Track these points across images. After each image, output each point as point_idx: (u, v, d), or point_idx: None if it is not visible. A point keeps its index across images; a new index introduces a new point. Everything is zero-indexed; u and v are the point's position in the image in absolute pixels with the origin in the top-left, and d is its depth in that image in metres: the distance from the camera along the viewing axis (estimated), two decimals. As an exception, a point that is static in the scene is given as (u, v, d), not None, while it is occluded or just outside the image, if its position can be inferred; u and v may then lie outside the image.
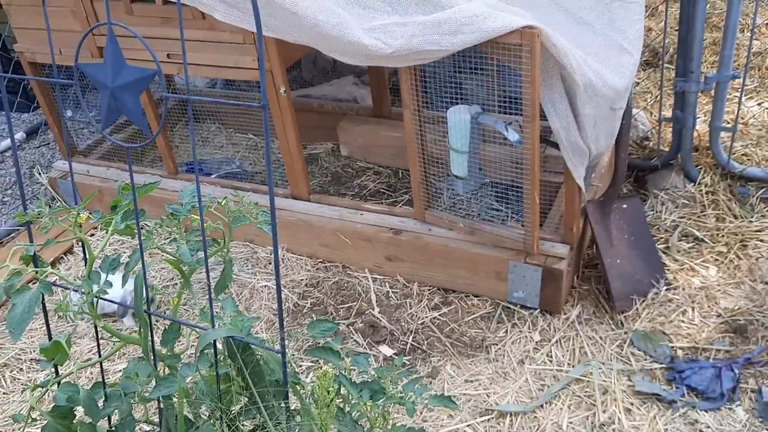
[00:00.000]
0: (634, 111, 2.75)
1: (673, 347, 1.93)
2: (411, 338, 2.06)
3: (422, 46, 1.74)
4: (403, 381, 1.36)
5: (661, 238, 2.33)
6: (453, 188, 2.14)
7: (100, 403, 1.22)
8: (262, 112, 0.98)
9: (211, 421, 1.22)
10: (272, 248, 1.09)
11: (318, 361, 1.98)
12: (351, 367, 1.34)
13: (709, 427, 1.69)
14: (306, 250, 2.42)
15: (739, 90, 2.96)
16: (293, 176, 2.38)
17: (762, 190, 2.42)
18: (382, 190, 2.79)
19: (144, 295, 1.16)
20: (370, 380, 1.35)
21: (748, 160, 2.55)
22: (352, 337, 2.09)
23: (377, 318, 2.14)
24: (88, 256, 1.18)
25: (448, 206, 2.18)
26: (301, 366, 1.98)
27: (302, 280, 2.33)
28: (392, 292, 2.25)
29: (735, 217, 2.36)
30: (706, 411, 1.73)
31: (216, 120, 3.40)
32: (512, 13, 1.72)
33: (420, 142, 2.06)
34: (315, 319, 2.17)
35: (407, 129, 2.04)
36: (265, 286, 2.32)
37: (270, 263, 2.41)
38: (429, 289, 2.23)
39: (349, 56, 1.83)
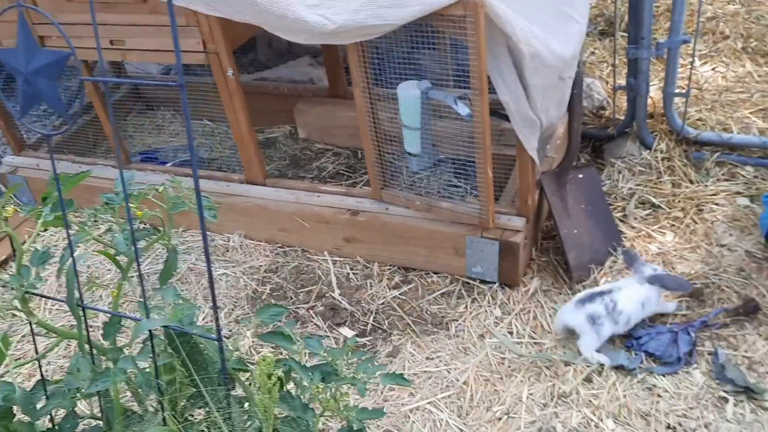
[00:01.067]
0: (589, 80, 2.75)
1: (631, 314, 1.94)
2: (372, 318, 2.05)
3: (367, 21, 1.71)
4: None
5: (619, 206, 2.34)
6: (408, 166, 2.11)
7: (43, 401, 1.18)
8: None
9: (157, 413, 1.19)
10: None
11: (279, 347, 1.95)
12: (305, 351, 1.32)
13: (666, 391, 1.70)
14: (264, 236, 2.38)
15: (694, 57, 2.98)
16: (247, 161, 2.33)
17: (716, 154, 2.43)
18: (341, 172, 2.76)
19: (76, 287, 1.12)
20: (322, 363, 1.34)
21: (703, 124, 2.56)
22: (312, 321, 2.06)
23: (338, 300, 2.12)
24: (16, 251, 1.13)
25: (404, 185, 2.16)
26: (260, 352, 1.96)
27: (261, 266, 2.30)
28: (352, 273, 2.22)
29: (691, 182, 2.38)
30: (663, 375, 1.74)
31: (171, 107, 3.33)
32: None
33: (372, 120, 2.02)
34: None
35: (358, 107, 2.01)
36: (224, 274, 2.28)
37: (228, 250, 2.37)
38: (389, 269, 2.22)
39: (293, 34, 1.79)
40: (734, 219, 2.20)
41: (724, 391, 1.68)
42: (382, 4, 1.68)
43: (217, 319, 1.04)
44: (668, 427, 1.61)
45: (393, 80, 1.94)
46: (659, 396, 1.69)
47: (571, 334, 1.85)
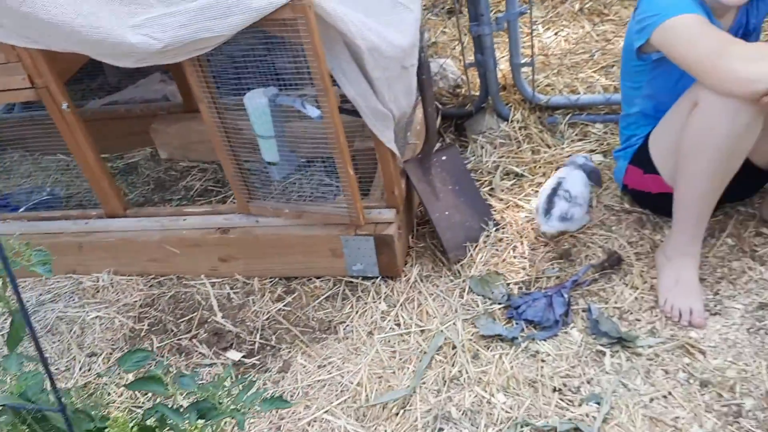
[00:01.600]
0: (442, 61, 2.79)
1: (509, 284, 1.99)
2: (258, 336, 1.99)
3: (195, 35, 1.64)
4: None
5: (485, 180, 2.39)
6: (269, 175, 2.06)
7: None
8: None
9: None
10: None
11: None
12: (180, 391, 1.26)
13: (549, 354, 1.76)
14: (135, 269, 2.27)
15: (537, 23, 3.08)
16: (103, 194, 2.20)
17: (568, 116, 2.54)
18: (210, 188, 2.68)
19: None
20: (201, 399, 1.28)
21: (552, 89, 2.66)
22: (196, 350, 1.99)
23: (221, 323, 2.05)
24: None
25: (271, 194, 2.11)
26: (139, 399, 1.86)
27: (136, 301, 2.18)
28: (233, 293, 2.16)
29: (548, 146, 2.47)
30: (544, 340, 1.80)
31: (19, 147, 3.10)
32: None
33: (224, 134, 1.96)
34: (151, 342, 2.05)
35: (207, 123, 1.94)
36: (97, 317, 2.16)
37: (98, 291, 2.24)
38: (270, 282, 2.17)
39: (120, 58, 1.69)
40: (591, 176, 2.30)
41: (601, 345, 1.75)
42: (208, 16, 1.62)
43: (55, 388, 0.96)
44: (554, 389, 1.67)
45: (239, 90, 1.88)
46: (543, 361, 1.75)
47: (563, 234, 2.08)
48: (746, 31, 1.81)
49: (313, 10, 1.57)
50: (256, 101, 1.85)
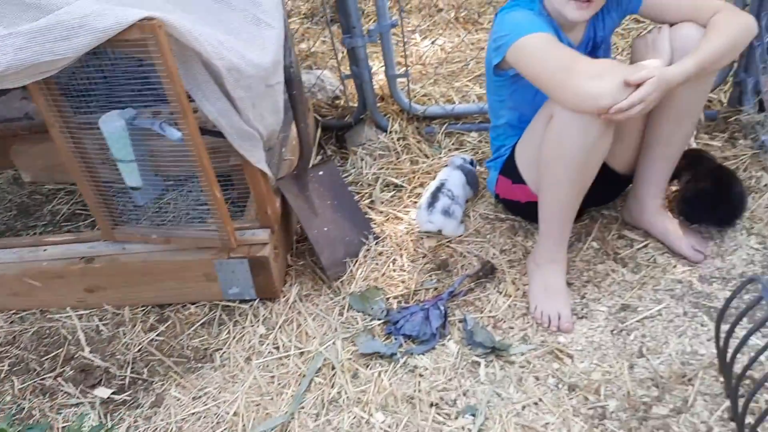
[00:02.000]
0: (319, 72, 2.76)
1: (389, 299, 1.98)
2: (129, 370, 1.89)
3: (37, 58, 1.52)
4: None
5: (366, 192, 2.38)
6: (133, 200, 1.96)
7: None
8: None
9: None
10: None
11: None
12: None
13: (426, 369, 1.76)
14: (-8, 305, 2.10)
15: (414, 32, 3.11)
16: (-49, 227, 2.03)
17: (445, 126, 2.57)
18: (78, 212, 2.53)
19: None
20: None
21: (429, 99, 2.69)
22: (62, 390, 1.86)
23: (89, 359, 1.94)
24: None
25: (138, 219, 2.01)
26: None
27: (-7, 340, 2.03)
28: (102, 324, 2.04)
29: (426, 156, 2.49)
30: (422, 354, 1.80)
31: None
32: (136, 5, 1.56)
33: (82, 160, 1.84)
34: (12, 384, 1.90)
35: (61, 150, 1.81)
36: (-51, 361, 1.98)
37: (-50, 332, 2.06)
38: (142, 311, 2.06)
39: (-46, 84, 1.56)
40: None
41: (476, 356, 1.78)
42: (50, 38, 1.51)
43: None
44: (431, 404, 1.68)
45: (94, 112, 1.77)
46: (421, 375, 1.75)
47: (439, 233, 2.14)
48: (594, 44, 1.88)
49: (164, 30, 1.50)
50: (112, 125, 1.75)
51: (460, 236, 2.14)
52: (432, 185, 2.19)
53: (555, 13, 1.77)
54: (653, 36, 1.75)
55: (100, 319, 2.05)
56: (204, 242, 1.93)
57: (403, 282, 2.04)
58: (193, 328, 1.99)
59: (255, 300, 2.03)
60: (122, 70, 1.73)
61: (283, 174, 2.14)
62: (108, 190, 1.92)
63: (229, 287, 2.00)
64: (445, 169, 2.27)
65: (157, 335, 1.98)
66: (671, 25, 1.75)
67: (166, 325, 2.01)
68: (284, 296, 2.04)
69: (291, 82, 1.99)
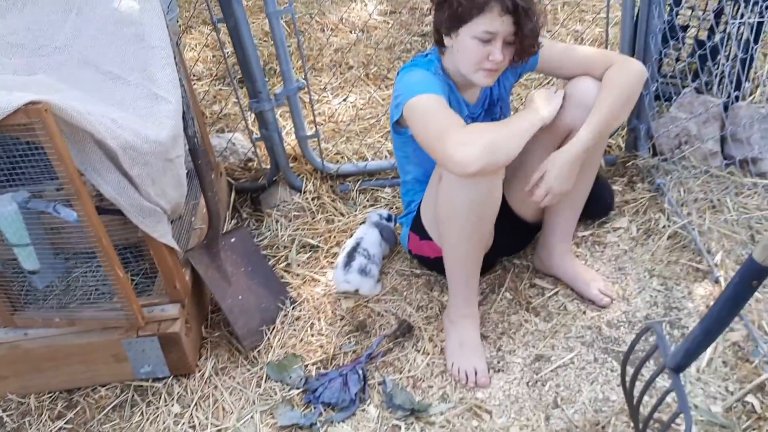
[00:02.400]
0: (230, 135, 2.75)
1: (307, 366, 1.95)
2: (34, 465, 1.79)
3: None
4: None
5: (282, 255, 2.36)
6: (32, 284, 1.88)
7: None
8: None
9: None
10: None
11: None
12: None
13: (347, 437, 1.74)
14: None
15: (326, 91, 3.15)
16: None
17: (359, 183, 2.59)
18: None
19: None
20: None
21: (342, 157, 2.71)
22: (-42, 494, 1.74)
23: (-11, 456, 1.82)
24: None
25: (38, 302, 1.92)
26: None
27: None
28: (6, 416, 1.92)
29: (342, 214, 2.50)
30: (342, 421, 1.78)
31: None
32: (23, 88, 1.53)
33: (-27, 245, 1.76)
34: None
35: (-50, 236, 1.73)
36: None
37: None
38: (49, 397, 1.96)
39: None
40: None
41: (396, 419, 1.76)
42: (-72, 125, 1.45)
43: None
44: (351, 475, 1.65)
45: (-15, 196, 1.70)
46: (341, 445, 1.72)
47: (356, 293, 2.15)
48: (491, 102, 1.95)
49: (51, 113, 1.46)
50: (5, 209, 1.68)
51: (377, 295, 2.14)
52: (348, 244, 2.20)
53: (454, 74, 1.82)
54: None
55: (4, 410, 1.94)
56: (110, 322, 1.86)
57: (321, 347, 2.01)
58: (104, 413, 1.90)
59: (169, 377, 1.96)
60: (13, 152, 1.67)
61: (192, 244, 2.10)
62: (4, 274, 1.83)
63: (140, 366, 1.93)
64: (361, 226, 2.29)
65: (65, 423, 1.88)
66: (569, 79, 1.83)
67: (74, 411, 1.91)
68: (199, 371, 1.98)
69: (195, 151, 1.97)
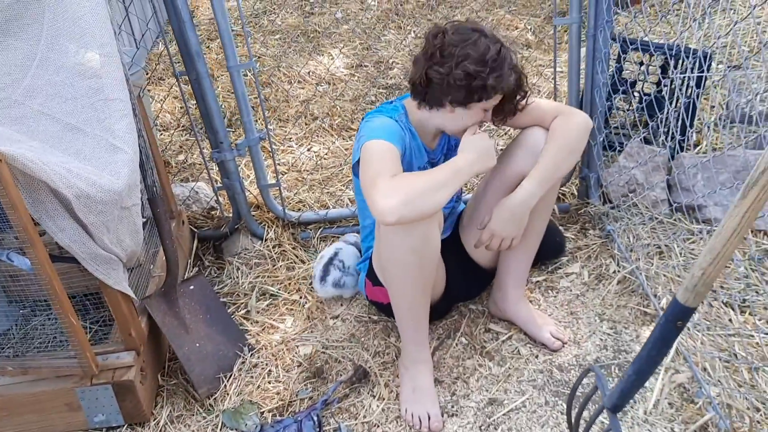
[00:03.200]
0: (193, 184, 2.79)
1: (263, 412, 1.96)
2: None
3: None
4: None
5: (242, 303, 2.38)
6: (-16, 332, 1.88)
7: None
8: None
9: None
10: None
11: None
12: None
13: (299, 484, 1.73)
14: None
15: (291, 141, 3.22)
16: None
17: (320, 231, 2.63)
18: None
19: None
20: None
21: (304, 205, 2.76)
22: None
23: None
24: None
25: (-8, 350, 1.91)
26: None
27: None
28: (-47, 468, 1.89)
29: (303, 261, 2.53)
30: (295, 469, 1.78)
31: None
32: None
33: (-74, 293, 1.76)
34: None
35: None
36: None
37: None
38: (-1, 448, 1.93)
39: None
40: (342, 289, 2.39)
41: (350, 465, 1.77)
42: None
43: None
44: None
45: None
46: (293, 493, 1.72)
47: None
48: (449, 147, 2.01)
49: (5, 163, 1.49)
50: (-42, 256, 1.69)
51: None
52: (325, 254, 2.33)
53: (418, 123, 1.88)
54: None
55: (-50, 464, 1.91)
56: (64, 371, 1.86)
57: (278, 393, 2.02)
58: (54, 464, 1.88)
59: (123, 426, 1.95)
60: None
61: (150, 292, 2.11)
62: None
63: (94, 415, 1.92)
64: (338, 242, 2.41)
65: (13, 476, 1.85)
66: (522, 129, 1.92)
67: (24, 463, 1.89)
68: (155, 419, 1.97)
69: (154, 200, 2.01)
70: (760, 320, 1.99)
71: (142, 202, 1.98)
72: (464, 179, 1.68)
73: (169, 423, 1.96)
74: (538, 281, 2.30)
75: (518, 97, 1.81)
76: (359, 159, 1.80)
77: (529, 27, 4.26)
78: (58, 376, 1.88)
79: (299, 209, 2.72)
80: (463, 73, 1.67)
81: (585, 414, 1.71)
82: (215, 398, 2.01)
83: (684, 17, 3.15)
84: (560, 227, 2.49)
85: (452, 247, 2.08)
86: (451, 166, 1.68)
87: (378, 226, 1.78)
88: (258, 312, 2.33)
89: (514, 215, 1.79)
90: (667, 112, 2.38)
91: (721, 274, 2.09)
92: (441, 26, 1.75)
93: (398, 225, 1.59)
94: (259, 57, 4.14)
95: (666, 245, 2.27)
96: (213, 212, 2.75)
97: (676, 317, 1.20)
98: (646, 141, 2.55)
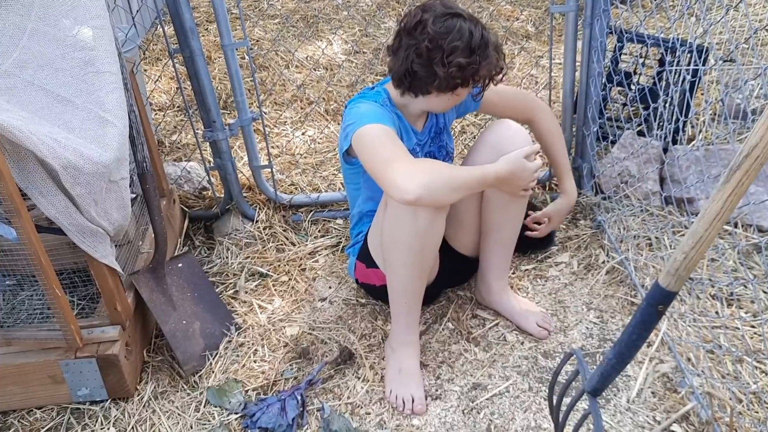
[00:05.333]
0: (185, 163, 2.78)
1: (248, 391, 1.96)
2: (-40, 488, 1.75)
3: None
4: None
5: (231, 283, 2.38)
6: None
7: None
8: None
9: None
10: None
11: None
12: None
13: (280, 462, 1.73)
14: None
15: (286, 124, 3.21)
16: None
17: (311, 214, 2.63)
18: None
19: None
20: None
21: (296, 188, 2.76)
22: None
23: None
24: None
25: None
26: None
27: None
28: (-65, 438, 1.89)
29: (293, 244, 2.53)
30: (277, 447, 1.78)
31: None
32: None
33: None
34: None
35: None
36: None
37: None
38: (-18, 419, 1.93)
39: None
40: (332, 272, 2.39)
41: (329, 444, 1.77)
42: None
43: None
44: (283, 500, 1.64)
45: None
46: (274, 470, 1.72)
47: None
48: (437, 130, 2.01)
49: (-7, 131, 1.49)
50: (-56, 225, 1.69)
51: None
52: None
53: (403, 106, 1.89)
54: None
55: (-67, 433, 1.90)
56: (48, 343, 1.86)
57: (263, 373, 2.02)
58: (36, 436, 1.88)
59: (107, 400, 1.95)
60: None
61: (138, 268, 2.11)
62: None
63: (77, 389, 1.92)
64: None
65: (-5, 446, 1.86)
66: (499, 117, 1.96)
67: (6, 434, 1.89)
68: (138, 395, 1.97)
69: (144, 176, 2.00)
70: (746, 313, 2.00)
71: (132, 178, 1.98)
72: (484, 188, 1.81)
73: (153, 398, 1.96)
74: (527, 269, 2.30)
75: (499, 75, 1.81)
76: (349, 147, 1.80)
77: (529, 18, 4.25)
78: (42, 348, 1.88)
79: (291, 192, 2.72)
80: (456, 68, 1.69)
81: (566, 400, 1.72)
82: (200, 376, 2.01)
83: (680, 11, 3.14)
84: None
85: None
86: (480, 171, 1.72)
87: (384, 206, 1.77)
88: (246, 292, 2.33)
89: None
90: (662, 105, 2.38)
91: (709, 267, 2.10)
92: (417, 15, 1.73)
93: (412, 205, 1.62)
94: (257, 41, 4.12)
95: (656, 237, 2.28)
96: (204, 192, 2.75)
97: (658, 301, 1.20)
98: (640, 133, 2.55)
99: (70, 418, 1.92)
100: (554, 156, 2.15)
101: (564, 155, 2.15)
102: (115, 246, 1.90)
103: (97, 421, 1.90)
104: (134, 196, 2.17)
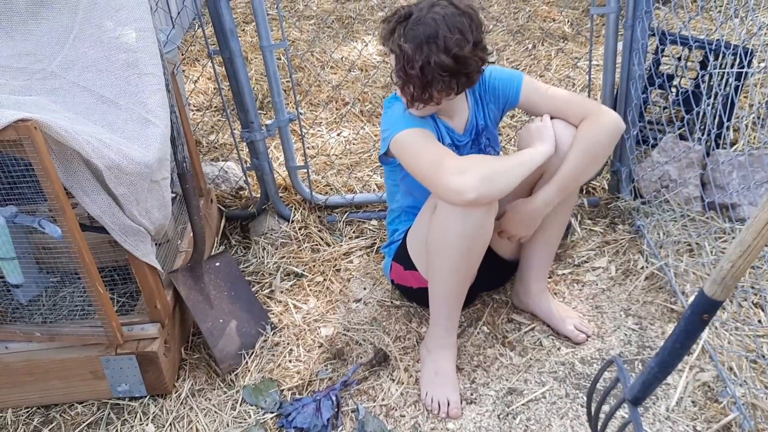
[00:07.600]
0: (222, 163, 2.81)
1: (283, 391, 1.97)
2: (4, 478, 1.80)
3: None
4: None
5: (267, 282, 2.40)
6: (15, 298, 1.92)
7: None
8: None
9: None
10: None
11: None
12: None
13: (315, 462, 1.74)
14: None
15: (321, 125, 3.22)
16: None
17: (346, 214, 2.64)
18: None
19: None
20: None
21: (331, 189, 2.77)
22: (-73, 504, 1.75)
23: (-39, 468, 1.83)
24: None
25: (21, 316, 1.96)
26: None
27: None
28: (-19, 429, 1.94)
29: (328, 245, 2.54)
30: (313, 447, 1.79)
31: None
32: (16, 107, 1.59)
33: (-39, 257, 1.81)
34: None
35: (-62, 247, 1.77)
36: None
37: None
38: (26, 412, 1.98)
39: None
40: (366, 273, 2.39)
41: (365, 446, 1.77)
42: (-77, 138, 1.51)
43: None
44: (318, 500, 1.65)
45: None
46: (309, 470, 1.73)
47: None
48: (477, 131, 1.99)
49: (40, 131, 1.52)
50: (-7, 222, 1.73)
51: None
52: None
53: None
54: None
55: (-21, 424, 1.96)
56: (89, 339, 1.89)
57: (298, 373, 2.03)
58: (78, 430, 1.91)
59: (145, 397, 1.98)
60: (11, 172, 1.73)
61: (177, 266, 2.14)
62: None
63: (117, 385, 1.95)
64: None
65: (38, 439, 1.90)
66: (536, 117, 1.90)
67: (50, 427, 1.93)
68: (176, 392, 2.00)
69: (184, 176, 2.03)
70: (791, 322, 1.95)
71: (172, 178, 2.00)
72: (535, 165, 1.71)
73: (190, 396, 1.98)
74: (563, 274, 2.27)
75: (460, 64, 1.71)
76: (387, 150, 1.80)
77: (566, 19, 4.20)
78: (84, 344, 1.91)
79: (326, 193, 2.73)
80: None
81: (605, 407, 1.70)
82: (236, 374, 2.03)
83: (725, 12, 3.07)
84: (588, 219, 2.46)
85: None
86: (521, 153, 1.71)
87: (431, 210, 1.76)
88: (282, 292, 2.35)
89: (525, 219, 1.83)
90: (705, 108, 2.33)
91: (752, 274, 2.05)
92: (400, 44, 1.69)
93: (471, 205, 1.60)
94: (293, 41, 4.15)
95: (697, 243, 2.23)
96: (241, 192, 2.77)
97: (703, 310, 1.18)
98: (681, 137, 2.50)
99: (110, 413, 1.96)
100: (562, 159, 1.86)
101: (571, 162, 1.78)
102: (156, 245, 1.93)
103: (136, 416, 1.94)
104: (174, 195, 2.20)
